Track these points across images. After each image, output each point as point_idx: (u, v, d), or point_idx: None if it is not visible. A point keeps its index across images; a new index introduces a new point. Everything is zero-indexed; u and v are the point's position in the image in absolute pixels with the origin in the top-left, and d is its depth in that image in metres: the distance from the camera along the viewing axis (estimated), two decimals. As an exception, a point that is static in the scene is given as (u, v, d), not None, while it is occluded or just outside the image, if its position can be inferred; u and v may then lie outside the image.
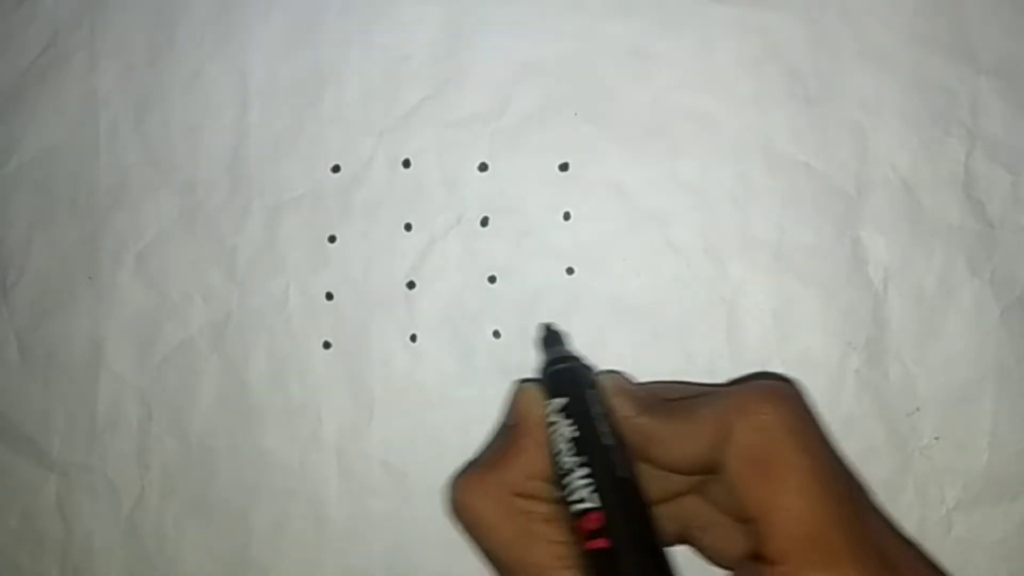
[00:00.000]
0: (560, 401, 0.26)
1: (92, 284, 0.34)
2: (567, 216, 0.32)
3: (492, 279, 0.33)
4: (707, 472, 0.24)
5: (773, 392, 0.23)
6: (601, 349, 0.31)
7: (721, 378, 0.32)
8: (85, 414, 0.34)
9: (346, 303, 0.33)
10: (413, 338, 0.33)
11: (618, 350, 0.32)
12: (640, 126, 0.32)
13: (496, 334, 0.32)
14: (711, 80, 0.32)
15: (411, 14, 0.33)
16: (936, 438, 0.31)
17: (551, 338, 0.30)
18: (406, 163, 0.33)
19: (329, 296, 0.33)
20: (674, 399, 0.26)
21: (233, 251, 0.33)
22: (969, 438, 0.31)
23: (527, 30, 0.32)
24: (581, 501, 0.23)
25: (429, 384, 0.33)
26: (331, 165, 0.33)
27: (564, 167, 0.32)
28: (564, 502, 0.24)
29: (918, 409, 0.31)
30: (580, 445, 0.24)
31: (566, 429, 0.25)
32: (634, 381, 0.28)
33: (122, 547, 0.34)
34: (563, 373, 0.27)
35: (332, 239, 0.33)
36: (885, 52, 0.32)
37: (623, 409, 0.25)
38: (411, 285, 0.33)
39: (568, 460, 0.24)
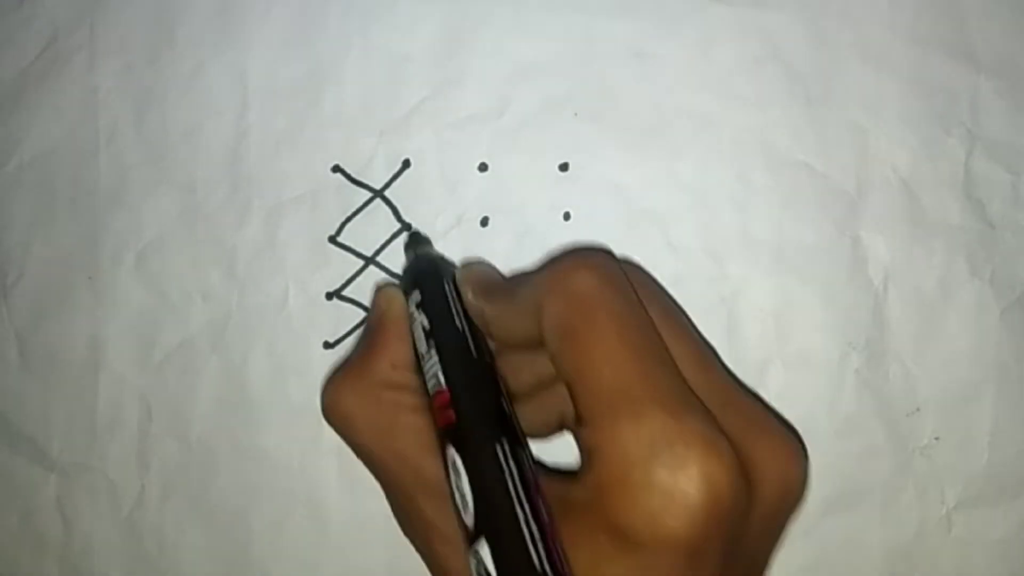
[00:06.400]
0: (416, 296, 0.27)
1: (92, 284, 0.34)
2: (567, 216, 0.32)
3: (492, 279, 0.33)
4: (539, 345, 0.24)
5: (577, 263, 0.24)
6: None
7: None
8: (85, 414, 0.34)
9: (346, 303, 0.33)
10: (413, 338, 0.33)
11: (618, 350, 0.32)
12: (640, 126, 0.32)
13: (496, 334, 0.32)
14: (711, 80, 0.32)
15: (411, 14, 0.33)
16: (936, 438, 0.31)
17: (414, 240, 0.31)
18: (406, 163, 0.33)
19: (329, 296, 0.33)
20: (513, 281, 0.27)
21: (233, 251, 0.33)
22: (969, 438, 0.31)
23: (527, 30, 0.32)
24: (435, 382, 0.24)
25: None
26: (331, 165, 0.33)
27: (564, 167, 0.32)
28: (425, 388, 0.25)
29: (918, 409, 0.31)
30: (432, 332, 0.25)
31: (421, 320, 0.26)
32: (494, 270, 0.29)
33: (122, 547, 0.34)
34: (419, 270, 0.29)
35: (333, 239, 0.33)
36: (885, 52, 0.32)
37: (467, 295, 0.27)
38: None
39: (423, 347, 0.25)
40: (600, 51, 0.32)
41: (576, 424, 0.22)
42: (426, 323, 0.26)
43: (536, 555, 0.20)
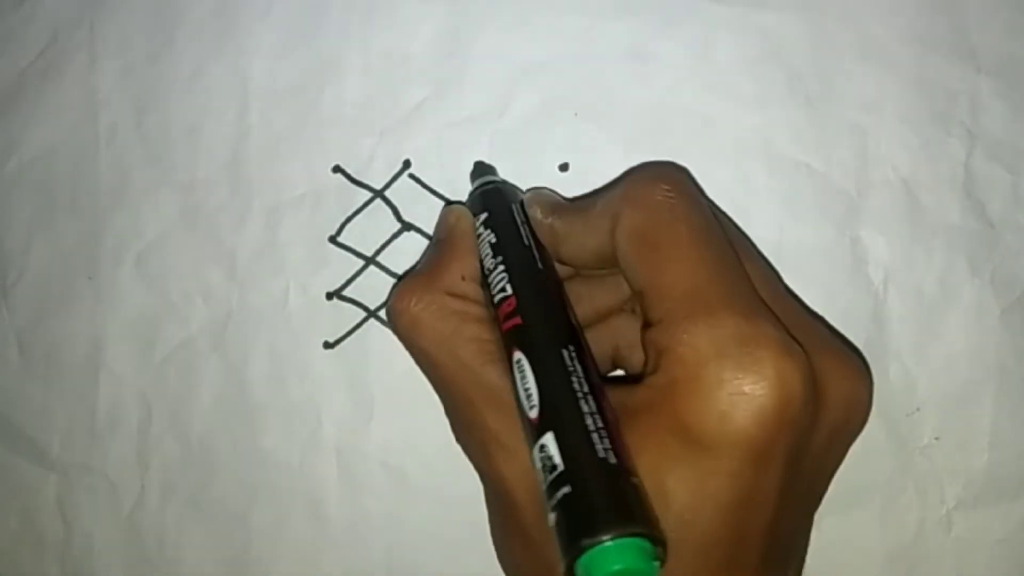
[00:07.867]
0: (483, 215, 0.28)
1: (92, 284, 0.34)
2: (567, 216, 0.32)
3: (492, 279, 0.33)
4: (612, 264, 0.25)
5: (653, 175, 0.24)
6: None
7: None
8: (85, 414, 0.34)
9: (346, 303, 0.33)
10: (413, 338, 0.33)
11: (618, 350, 0.32)
12: (640, 126, 0.32)
13: (496, 334, 0.32)
14: (711, 80, 0.32)
15: (411, 14, 0.33)
16: (936, 438, 0.31)
17: (479, 168, 0.32)
18: (406, 163, 0.33)
19: (329, 296, 0.33)
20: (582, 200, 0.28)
21: (233, 251, 0.33)
22: (969, 438, 0.31)
23: (527, 30, 0.32)
24: (502, 291, 0.25)
25: (430, 384, 0.33)
26: (331, 165, 0.33)
27: (564, 167, 0.32)
28: (491, 300, 0.26)
29: (918, 409, 0.31)
30: (498, 247, 0.26)
31: (488, 237, 0.27)
32: (560, 196, 0.30)
33: (122, 547, 0.34)
34: (486, 192, 0.30)
35: (333, 239, 0.33)
36: (885, 52, 0.32)
37: (536, 214, 0.27)
38: (411, 285, 0.33)
39: (490, 262, 0.26)
40: (600, 51, 0.32)
41: (645, 329, 0.22)
42: (493, 239, 0.27)
43: (601, 445, 0.20)
